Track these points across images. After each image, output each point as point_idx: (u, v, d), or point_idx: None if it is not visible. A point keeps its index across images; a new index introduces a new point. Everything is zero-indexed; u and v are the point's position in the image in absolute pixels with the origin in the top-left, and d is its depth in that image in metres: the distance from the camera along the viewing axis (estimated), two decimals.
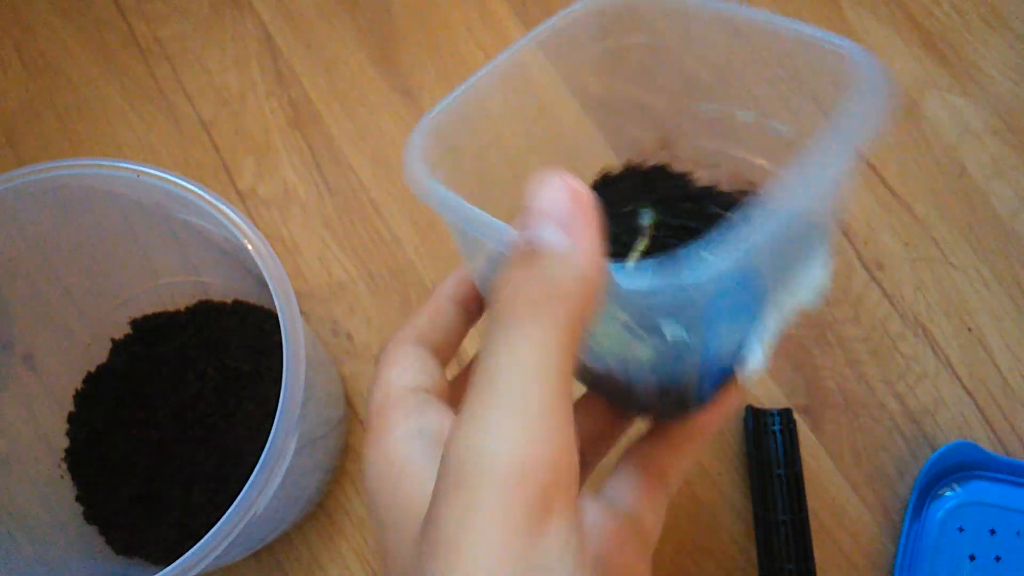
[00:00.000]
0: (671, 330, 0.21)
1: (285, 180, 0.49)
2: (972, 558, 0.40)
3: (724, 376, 0.27)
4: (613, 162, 0.34)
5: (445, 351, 0.27)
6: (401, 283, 0.47)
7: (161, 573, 0.29)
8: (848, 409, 0.44)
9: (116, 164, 0.34)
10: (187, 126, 0.50)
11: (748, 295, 0.24)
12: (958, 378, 0.44)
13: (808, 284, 0.26)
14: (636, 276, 0.19)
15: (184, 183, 0.33)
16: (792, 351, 0.45)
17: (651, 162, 0.34)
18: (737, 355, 0.26)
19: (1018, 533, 0.40)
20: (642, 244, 0.30)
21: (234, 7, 0.52)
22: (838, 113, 0.23)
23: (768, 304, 0.25)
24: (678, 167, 0.34)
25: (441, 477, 0.18)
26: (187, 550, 0.29)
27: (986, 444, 0.43)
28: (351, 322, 0.46)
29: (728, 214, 0.30)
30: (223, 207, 0.33)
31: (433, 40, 0.51)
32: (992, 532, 0.41)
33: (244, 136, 0.49)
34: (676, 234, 0.30)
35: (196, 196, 0.33)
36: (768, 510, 0.41)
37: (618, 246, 0.29)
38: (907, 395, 0.44)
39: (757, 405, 0.44)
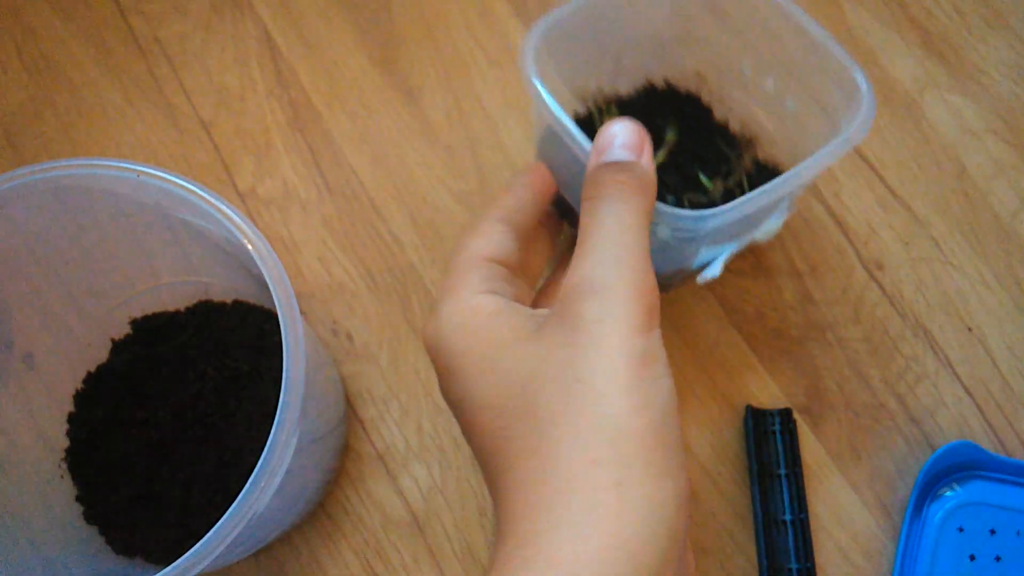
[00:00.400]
0: (667, 236, 0.34)
1: (285, 180, 0.49)
2: (972, 558, 0.40)
3: (689, 275, 0.39)
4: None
5: (522, 232, 0.34)
6: (401, 283, 0.47)
7: (161, 573, 0.29)
8: (848, 409, 0.44)
9: (116, 164, 0.34)
10: (187, 126, 0.50)
11: (727, 234, 0.37)
12: (958, 378, 0.44)
13: (767, 228, 0.39)
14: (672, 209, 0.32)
15: (184, 183, 0.33)
16: (792, 351, 0.45)
17: (686, 87, 0.45)
18: (704, 266, 0.38)
19: (1018, 533, 0.40)
20: (661, 156, 0.42)
21: (234, 7, 0.52)
22: (841, 127, 0.36)
23: (737, 239, 0.38)
24: (704, 98, 0.45)
25: (575, 287, 0.26)
26: (187, 550, 0.29)
27: (986, 444, 0.43)
28: (351, 322, 0.46)
29: (730, 152, 0.43)
30: (223, 207, 0.33)
31: (433, 40, 0.51)
32: (992, 532, 0.41)
33: (244, 136, 0.49)
34: (687, 156, 0.43)
35: (196, 196, 0.33)
36: (768, 510, 0.41)
37: None
38: (907, 395, 0.44)
39: (757, 405, 0.44)
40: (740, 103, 0.45)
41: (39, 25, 0.52)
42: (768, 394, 0.44)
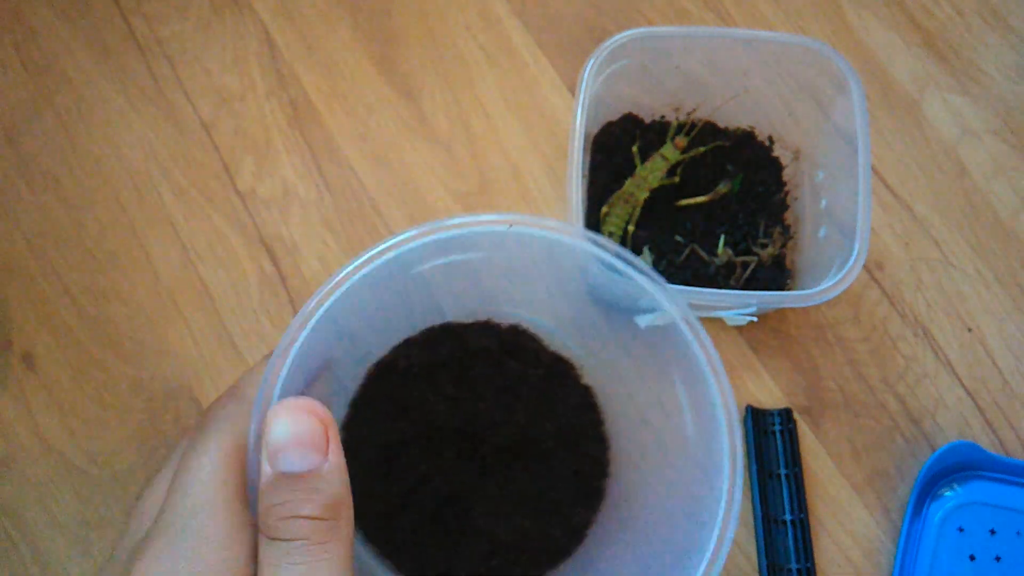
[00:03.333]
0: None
1: (285, 180, 0.49)
2: (972, 558, 0.40)
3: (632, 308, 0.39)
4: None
5: None
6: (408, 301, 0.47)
7: None
8: (848, 409, 0.44)
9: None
10: (187, 126, 0.50)
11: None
12: (958, 378, 0.44)
13: (731, 318, 0.43)
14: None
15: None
16: (792, 351, 0.45)
17: (693, 116, 0.48)
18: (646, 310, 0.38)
19: (1018, 533, 0.40)
20: (662, 167, 0.45)
21: (234, 7, 0.52)
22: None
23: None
24: (787, 178, 0.47)
25: None
26: None
27: (986, 444, 0.43)
28: (357, 329, 0.46)
29: (762, 238, 0.45)
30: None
31: (433, 40, 0.51)
32: (992, 532, 0.41)
33: (244, 136, 0.49)
34: (730, 212, 0.46)
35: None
36: (768, 510, 0.41)
37: (650, 150, 0.46)
38: (907, 395, 0.44)
39: (757, 405, 0.44)
40: (732, 108, 0.46)
41: (39, 25, 0.52)
42: (768, 394, 0.44)
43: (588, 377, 0.41)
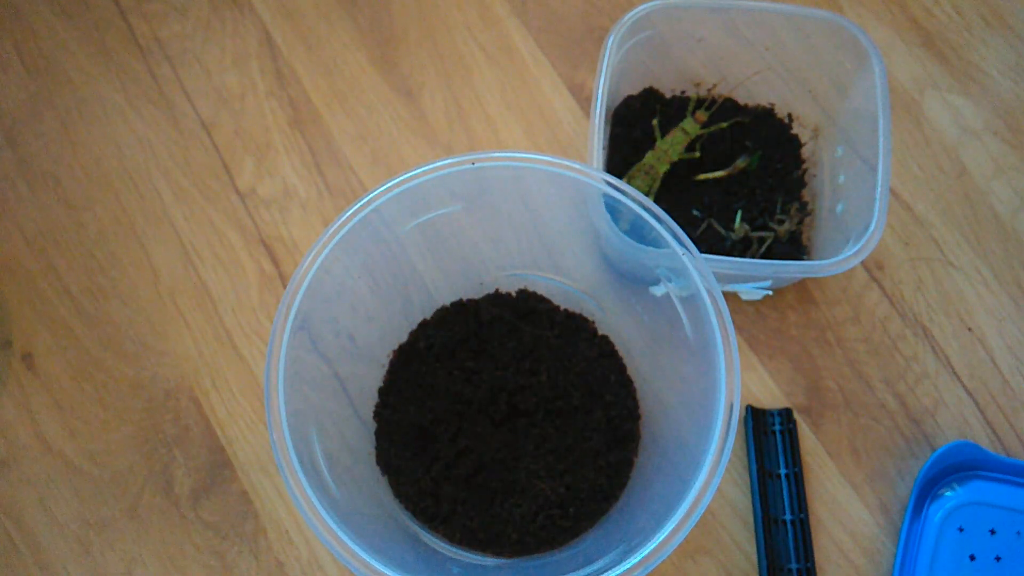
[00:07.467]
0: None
1: (285, 180, 0.49)
2: (972, 558, 0.40)
3: (648, 279, 0.40)
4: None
5: None
6: (402, 283, 0.47)
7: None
8: (848, 409, 0.44)
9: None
10: (187, 126, 0.50)
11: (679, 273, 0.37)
12: (958, 378, 0.44)
13: (746, 291, 0.42)
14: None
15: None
16: (792, 351, 0.45)
17: (714, 92, 0.48)
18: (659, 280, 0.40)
19: (1018, 533, 0.40)
20: (688, 129, 0.45)
21: (234, 7, 0.52)
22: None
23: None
24: (805, 154, 0.48)
25: None
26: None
27: (986, 444, 0.43)
28: (353, 322, 0.46)
29: (779, 214, 0.46)
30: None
31: (433, 40, 0.51)
32: (992, 532, 0.41)
33: (244, 136, 0.49)
34: (747, 188, 0.46)
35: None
36: (768, 510, 0.41)
37: (670, 125, 0.47)
38: (907, 395, 0.44)
39: (757, 405, 0.44)
40: (750, 82, 0.46)
41: (39, 25, 0.52)
42: (768, 394, 0.44)
43: (605, 326, 0.43)
